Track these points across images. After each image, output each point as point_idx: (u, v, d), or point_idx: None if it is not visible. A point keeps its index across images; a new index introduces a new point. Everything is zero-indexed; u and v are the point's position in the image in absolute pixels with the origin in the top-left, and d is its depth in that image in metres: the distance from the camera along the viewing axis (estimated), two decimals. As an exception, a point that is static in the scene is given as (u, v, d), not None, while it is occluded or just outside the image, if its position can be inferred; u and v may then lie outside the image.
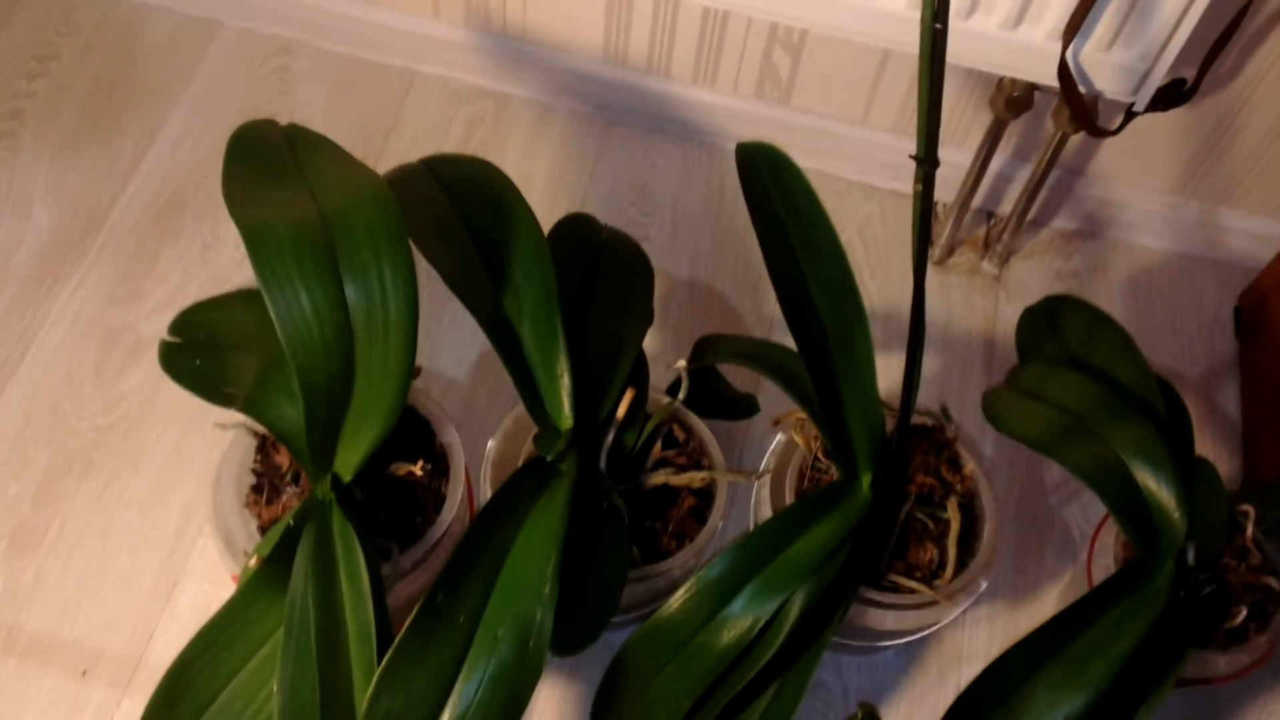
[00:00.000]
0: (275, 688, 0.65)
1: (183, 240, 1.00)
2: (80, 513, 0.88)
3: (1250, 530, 0.76)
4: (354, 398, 0.65)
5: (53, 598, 0.84)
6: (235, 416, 0.75)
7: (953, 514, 0.75)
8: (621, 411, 0.74)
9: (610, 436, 0.75)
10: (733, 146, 0.73)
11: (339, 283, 0.62)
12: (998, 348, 1.00)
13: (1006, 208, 1.07)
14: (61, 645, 0.83)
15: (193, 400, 0.91)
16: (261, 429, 0.77)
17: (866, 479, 0.72)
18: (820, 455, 0.78)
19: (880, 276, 1.05)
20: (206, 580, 0.86)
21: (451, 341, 0.99)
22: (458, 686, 0.61)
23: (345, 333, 0.63)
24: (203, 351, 0.81)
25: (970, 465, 0.77)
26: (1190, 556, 0.69)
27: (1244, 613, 0.73)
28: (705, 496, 0.78)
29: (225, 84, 1.10)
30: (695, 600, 0.69)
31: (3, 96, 1.07)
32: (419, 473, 0.74)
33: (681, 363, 0.79)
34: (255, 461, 0.76)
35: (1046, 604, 0.88)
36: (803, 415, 0.79)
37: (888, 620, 0.75)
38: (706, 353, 0.83)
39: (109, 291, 0.98)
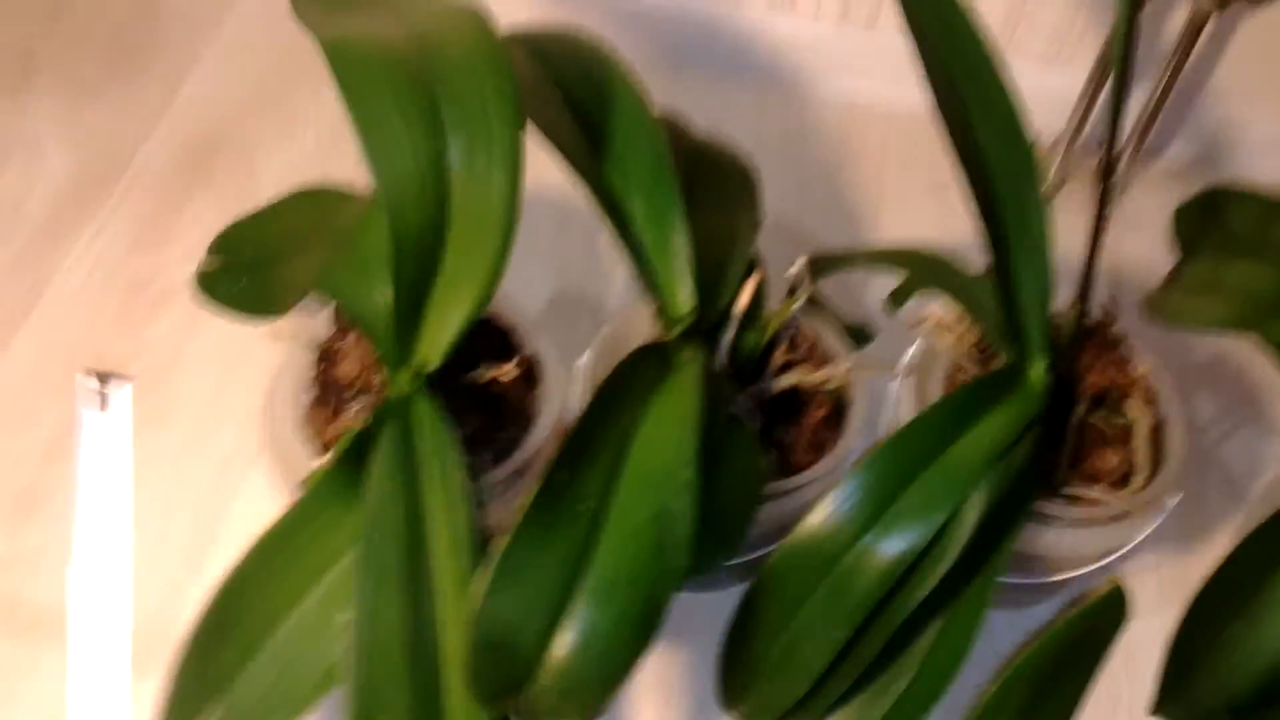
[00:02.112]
0: (354, 614, 0.53)
1: (216, 184, 0.91)
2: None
3: None
4: (447, 255, 0.54)
5: (63, 565, 0.72)
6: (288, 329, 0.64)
7: (1138, 412, 0.63)
8: (744, 301, 0.63)
9: (730, 335, 0.64)
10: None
11: (435, 108, 0.52)
12: (1123, 282, 0.90)
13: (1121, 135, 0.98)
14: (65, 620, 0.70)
15: (232, 346, 0.82)
16: (323, 337, 0.66)
17: (1040, 365, 0.61)
18: (971, 358, 0.67)
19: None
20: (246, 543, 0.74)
21: (523, 279, 0.88)
22: (584, 587, 0.49)
23: (441, 169, 0.52)
24: (250, 269, 0.70)
25: (1145, 365, 0.67)
26: None
27: None
28: (839, 408, 0.67)
29: (264, 19, 1.02)
30: (847, 509, 0.58)
31: (16, 36, 0.98)
32: (508, 376, 0.63)
33: (802, 260, 0.69)
34: (315, 375, 0.65)
35: (1218, 548, 0.76)
36: (944, 316, 0.69)
37: (1064, 543, 0.63)
38: (824, 266, 0.73)
39: (134, 238, 0.87)
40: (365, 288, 0.59)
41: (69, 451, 0.76)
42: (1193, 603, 0.55)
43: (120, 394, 0.51)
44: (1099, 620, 0.54)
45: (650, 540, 0.50)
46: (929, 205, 0.95)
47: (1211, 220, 0.76)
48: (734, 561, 0.69)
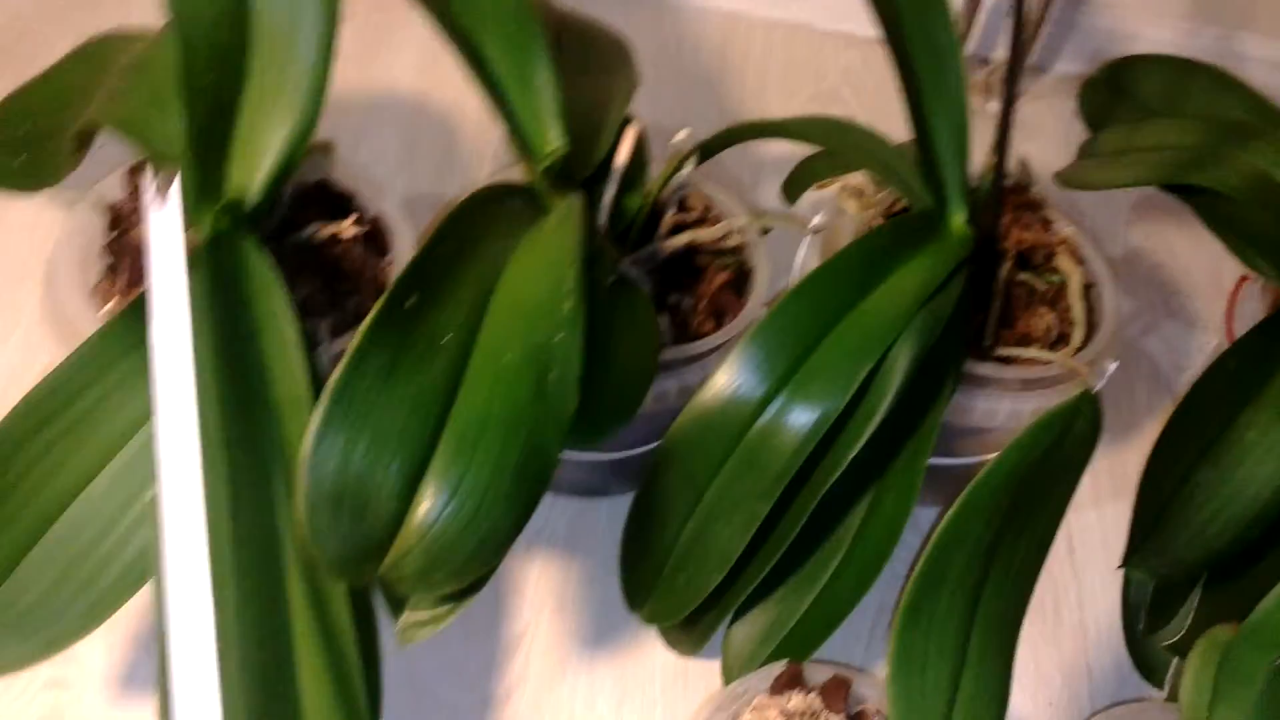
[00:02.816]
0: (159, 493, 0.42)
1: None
2: None
3: None
4: (253, 66, 0.44)
5: None
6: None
7: (1068, 267, 0.57)
8: (622, 154, 0.55)
9: (611, 194, 0.56)
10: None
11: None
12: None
13: (1002, 52, 0.95)
14: None
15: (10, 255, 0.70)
16: (114, 199, 0.55)
17: (960, 214, 0.54)
18: (881, 224, 0.61)
19: (879, 122, 0.91)
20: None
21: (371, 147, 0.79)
22: (449, 432, 0.39)
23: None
24: (28, 143, 0.58)
25: (1068, 228, 0.61)
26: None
27: None
28: (741, 275, 0.59)
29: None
30: (753, 369, 0.50)
31: None
32: (348, 232, 0.53)
33: (686, 130, 0.61)
34: (107, 243, 0.53)
35: (1149, 438, 0.71)
36: (853, 181, 0.62)
37: (1000, 413, 0.56)
38: (722, 140, 0.65)
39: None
40: (158, 117, 0.48)
41: None
42: (1156, 447, 0.49)
43: None
44: (1069, 432, 0.47)
45: (529, 378, 0.40)
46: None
47: (1118, 92, 0.72)
48: (634, 452, 0.60)
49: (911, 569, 0.44)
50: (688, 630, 0.55)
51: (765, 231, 0.60)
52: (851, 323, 0.50)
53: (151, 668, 0.54)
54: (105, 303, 0.51)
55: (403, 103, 0.85)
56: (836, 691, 0.44)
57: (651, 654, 0.58)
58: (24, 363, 0.66)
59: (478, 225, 0.44)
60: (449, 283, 0.41)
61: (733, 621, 0.54)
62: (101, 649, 0.55)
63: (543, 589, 0.60)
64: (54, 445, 0.42)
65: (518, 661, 0.57)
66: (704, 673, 0.57)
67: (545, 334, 0.41)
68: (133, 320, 0.44)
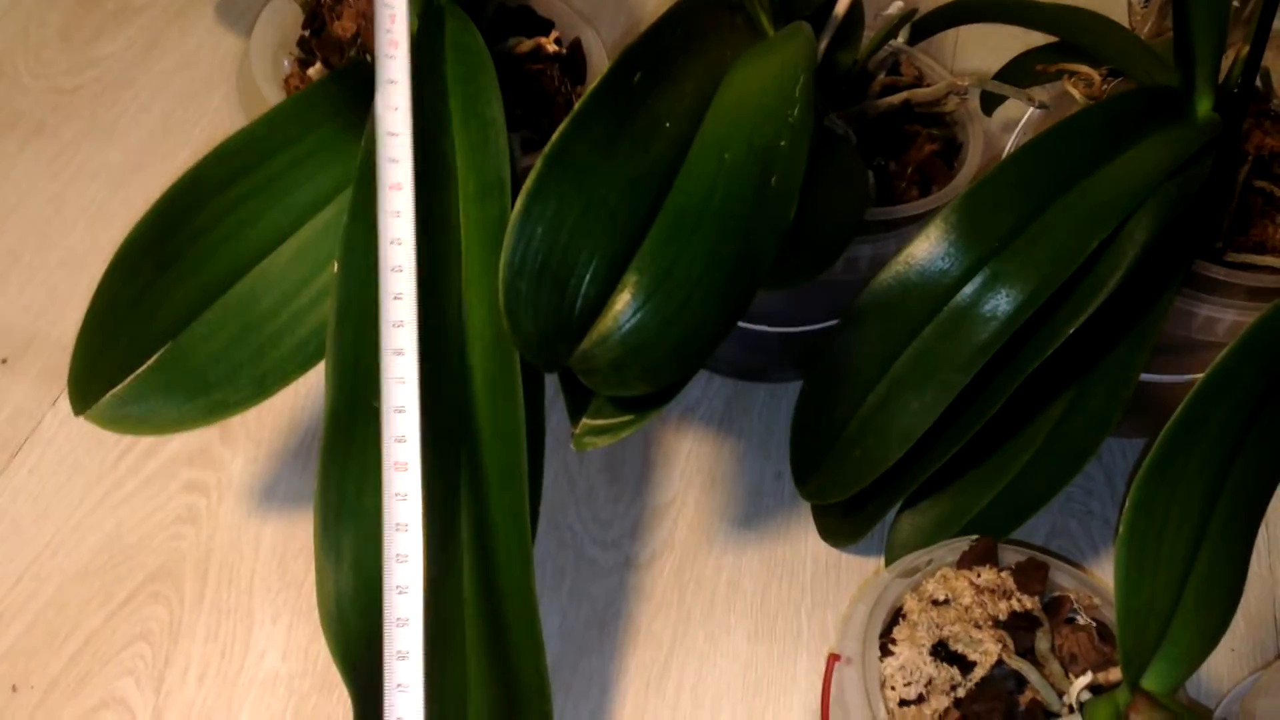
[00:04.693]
0: (336, 270, 0.40)
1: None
2: (20, 179, 0.62)
3: None
4: None
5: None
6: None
7: (1316, 174, 0.52)
8: (842, 5, 0.51)
9: (824, 44, 0.52)
10: None
11: None
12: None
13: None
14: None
15: (196, 71, 0.69)
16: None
17: (1207, 99, 0.49)
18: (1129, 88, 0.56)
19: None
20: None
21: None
22: (662, 219, 0.36)
23: None
24: None
25: (1315, 139, 0.56)
26: None
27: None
28: (950, 148, 0.55)
29: None
30: (958, 232, 0.45)
31: None
32: (550, 48, 0.50)
33: (898, 4, 0.57)
34: (302, 38, 0.52)
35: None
36: (1085, 69, 0.58)
37: (1223, 322, 0.51)
38: (931, 20, 0.61)
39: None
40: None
41: None
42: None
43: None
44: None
45: (751, 177, 0.37)
46: None
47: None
48: (806, 328, 0.56)
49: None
50: (848, 517, 0.52)
51: (987, 106, 0.56)
52: (1086, 188, 0.45)
53: (289, 485, 0.54)
54: (293, 93, 0.50)
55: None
56: (1033, 573, 0.40)
57: (803, 542, 0.54)
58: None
59: (702, 23, 0.41)
60: (674, 69, 0.38)
61: (901, 510, 0.51)
62: (242, 460, 0.54)
63: (694, 463, 0.57)
64: (242, 202, 0.40)
65: (664, 529, 0.54)
66: (857, 568, 0.54)
67: (770, 137, 0.38)
68: (330, 92, 0.42)
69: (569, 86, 0.52)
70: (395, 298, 0.39)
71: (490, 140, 0.40)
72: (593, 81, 0.51)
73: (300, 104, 0.41)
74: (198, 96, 0.68)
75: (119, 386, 0.40)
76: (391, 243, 0.38)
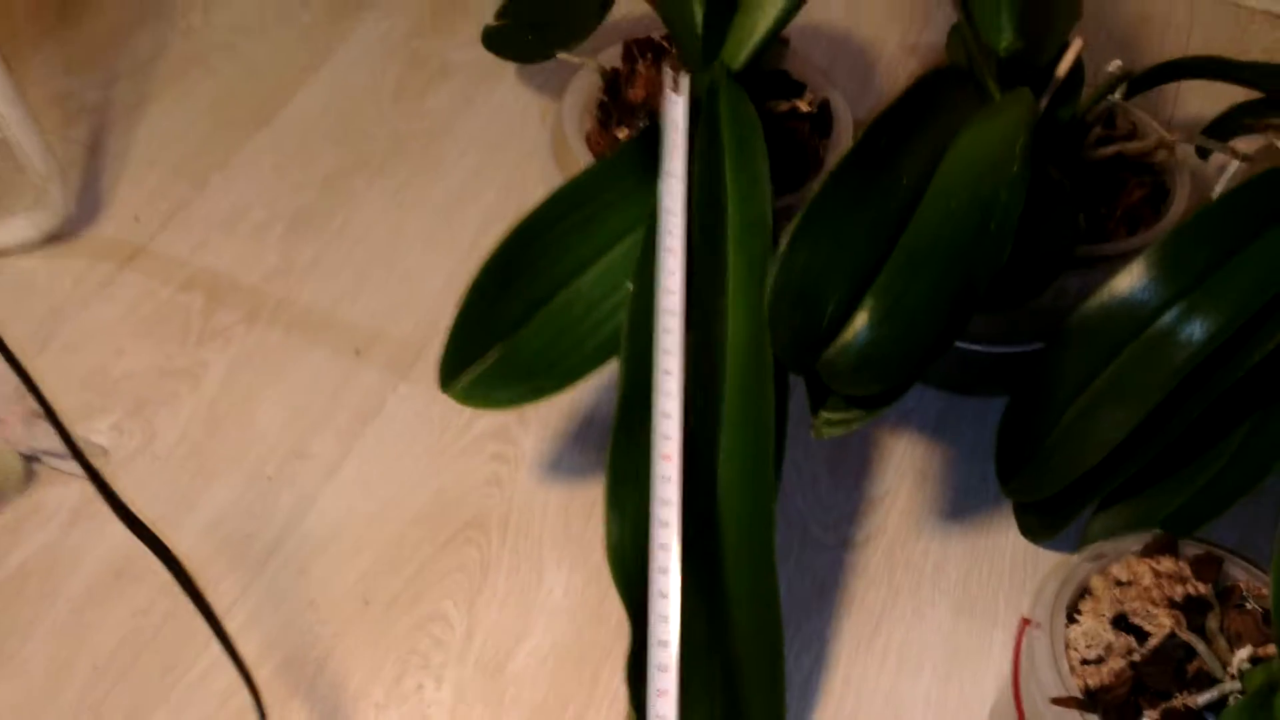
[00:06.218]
0: (630, 289, 0.52)
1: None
2: (370, 209, 0.77)
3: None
4: None
5: (331, 281, 0.73)
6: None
7: None
8: (1067, 61, 0.59)
9: (1045, 100, 0.60)
10: None
11: None
12: None
13: None
14: (335, 325, 0.71)
15: (501, 124, 0.84)
16: (611, 64, 0.65)
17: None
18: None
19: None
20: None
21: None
22: (896, 255, 0.46)
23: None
24: (535, 28, 0.71)
25: None
26: None
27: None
28: (1159, 193, 0.61)
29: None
30: (1165, 270, 0.52)
31: None
32: (804, 108, 0.61)
33: (1117, 62, 0.64)
34: (600, 100, 0.64)
35: None
36: (1284, 123, 0.63)
37: None
38: (1149, 76, 0.67)
39: (415, 22, 0.90)
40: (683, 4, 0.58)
41: (348, 189, 0.78)
42: None
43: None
44: None
45: (973, 222, 0.46)
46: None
47: None
48: (1015, 349, 0.64)
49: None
50: (1046, 515, 0.59)
51: (1203, 155, 0.62)
52: (1275, 236, 0.51)
53: (570, 461, 0.66)
54: (594, 146, 0.62)
55: (831, 32, 0.93)
56: (1208, 565, 0.46)
57: (1004, 536, 0.62)
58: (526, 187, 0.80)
59: (936, 94, 0.50)
60: (912, 134, 0.48)
61: (1096, 512, 0.58)
62: (534, 439, 0.67)
63: (908, 461, 0.65)
64: (566, 235, 0.53)
65: (877, 516, 0.63)
66: (1052, 561, 0.61)
67: (991, 189, 0.47)
68: (628, 156, 0.54)
69: (818, 140, 0.62)
70: (665, 331, 0.50)
71: (757, 189, 0.50)
72: (842, 141, 0.61)
73: (610, 163, 0.53)
74: (502, 146, 0.82)
75: (470, 372, 0.53)
76: (666, 282, 0.50)
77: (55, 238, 0.76)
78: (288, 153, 0.81)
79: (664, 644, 0.47)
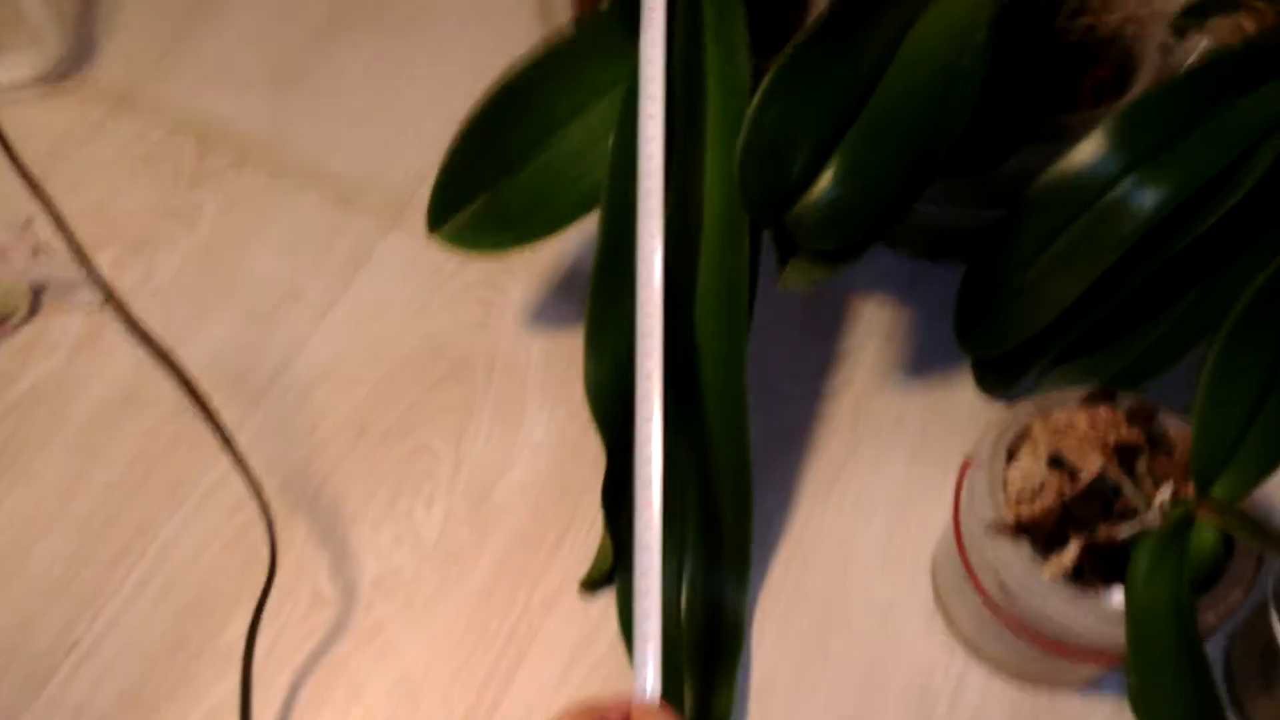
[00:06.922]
0: (610, 143, 0.54)
1: None
2: (358, 60, 0.79)
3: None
4: None
5: (320, 130, 0.75)
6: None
7: None
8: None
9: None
10: None
11: None
12: None
13: None
14: (325, 173, 0.74)
15: None
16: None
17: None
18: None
19: None
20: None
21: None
22: (862, 120, 0.48)
23: None
24: None
25: None
26: None
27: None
28: (1125, 70, 0.63)
29: None
30: (1120, 140, 0.54)
31: None
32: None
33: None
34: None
35: None
36: (1258, 2, 0.64)
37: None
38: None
39: None
40: None
41: (336, 41, 0.79)
42: None
43: None
44: None
45: (935, 91, 0.48)
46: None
47: None
48: (985, 217, 0.66)
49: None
50: (1002, 371, 0.63)
51: (1181, 34, 0.63)
52: (1225, 114, 0.53)
53: (554, 309, 0.69)
54: (579, 3, 0.63)
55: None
56: (1141, 414, 0.50)
57: (962, 391, 0.66)
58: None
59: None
60: (876, 7, 0.49)
61: (1048, 370, 0.61)
62: (520, 288, 0.70)
63: (876, 321, 0.69)
64: (550, 89, 0.55)
65: (844, 370, 0.67)
66: (1005, 417, 0.65)
67: (955, 56, 0.49)
68: (612, 14, 0.55)
69: (794, 12, 0.63)
70: (646, 175, 0.52)
71: (735, 55, 0.52)
72: (819, 7, 0.62)
73: (594, 19, 0.54)
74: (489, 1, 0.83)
75: (457, 217, 0.55)
76: (649, 129, 0.52)
77: (49, 79, 0.77)
78: (279, 1, 0.82)
79: (648, 461, 0.51)
